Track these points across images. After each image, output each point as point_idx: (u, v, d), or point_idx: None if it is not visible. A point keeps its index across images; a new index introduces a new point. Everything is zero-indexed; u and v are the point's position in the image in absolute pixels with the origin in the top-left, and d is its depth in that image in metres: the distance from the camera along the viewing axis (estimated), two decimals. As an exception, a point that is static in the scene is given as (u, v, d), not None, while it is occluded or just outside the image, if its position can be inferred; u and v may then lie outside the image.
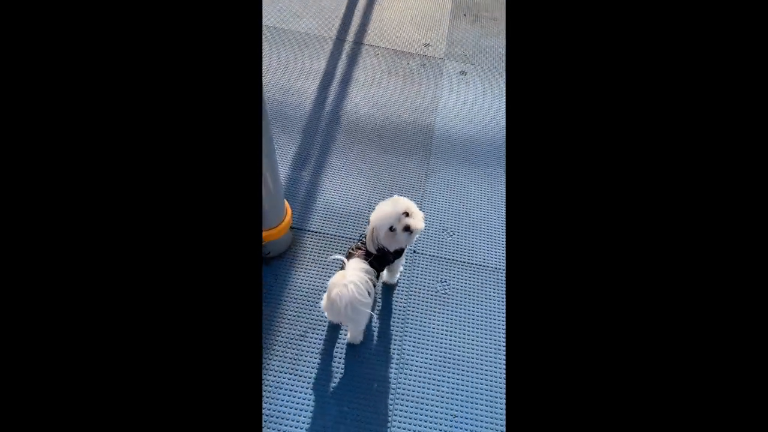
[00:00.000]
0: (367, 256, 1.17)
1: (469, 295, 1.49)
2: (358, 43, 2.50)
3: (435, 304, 1.46)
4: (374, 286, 1.11)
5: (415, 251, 1.58)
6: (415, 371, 1.30)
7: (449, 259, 1.58)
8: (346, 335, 1.34)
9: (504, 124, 2.12)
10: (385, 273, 1.36)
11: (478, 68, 2.45)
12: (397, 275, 1.45)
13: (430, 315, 1.43)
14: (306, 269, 1.50)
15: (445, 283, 1.51)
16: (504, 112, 2.19)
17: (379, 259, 1.20)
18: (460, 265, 1.57)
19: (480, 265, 1.58)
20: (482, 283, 1.53)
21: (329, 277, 1.23)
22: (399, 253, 1.26)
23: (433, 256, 1.58)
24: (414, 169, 1.86)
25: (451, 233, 1.66)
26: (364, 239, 1.22)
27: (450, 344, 1.37)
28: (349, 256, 1.19)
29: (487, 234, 1.68)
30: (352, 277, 1.06)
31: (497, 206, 1.77)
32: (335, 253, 1.52)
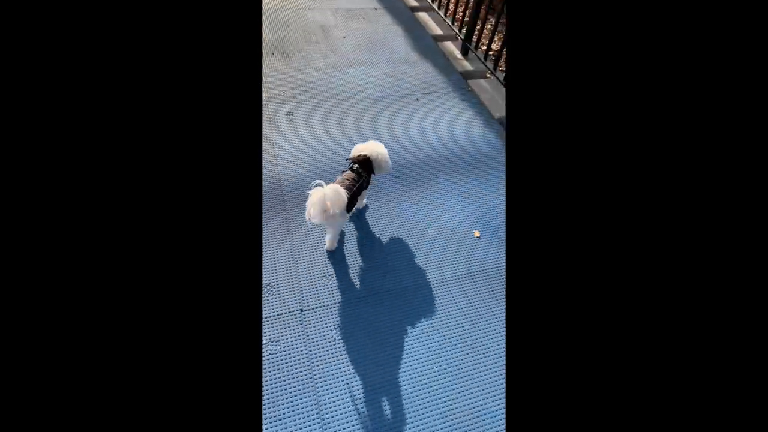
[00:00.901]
0: (350, 188, 1.59)
1: (369, 331, 1.55)
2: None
3: (335, 354, 1.49)
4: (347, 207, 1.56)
5: (301, 310, 1.58)
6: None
7: (338, 302, 1.62)
8: None
9: (337, 148, 2.24)
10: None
11: (301, 105, 2.52)
12: (364, 201, 1.96)
13: (337, 364, 1.45)
14: None
15: (338, 329, 1.55)
16: (336, 139, 2.30)
17: (360, 187, 1.66)
18: (350, 305, 1.62)
19: (368, 297, 1.65)
20: (371, 313, 1.61)
21: None
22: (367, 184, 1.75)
23: (321, 306, 1.60)
24: (275, 227, 1.85)
25: (330, 278, 1.70)
26: (344, 176, 1.65)
27: (355, 387, 1.42)
28: None
29: (362, 266, 1.76)
30: (331, 187, 1.49)
31: (362, 238, 1.87)
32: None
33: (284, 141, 2.26)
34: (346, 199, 1.52)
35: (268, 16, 3.26)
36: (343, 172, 1.70)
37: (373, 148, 1.73)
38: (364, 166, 1.70)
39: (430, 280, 1.74)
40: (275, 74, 2.72)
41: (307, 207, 1.49)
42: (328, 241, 1.75)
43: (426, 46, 3.20)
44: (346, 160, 1.75)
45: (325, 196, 1.47)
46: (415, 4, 3.71)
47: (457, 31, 3.17)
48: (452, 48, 3.23)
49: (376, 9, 3.55)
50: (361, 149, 1.74)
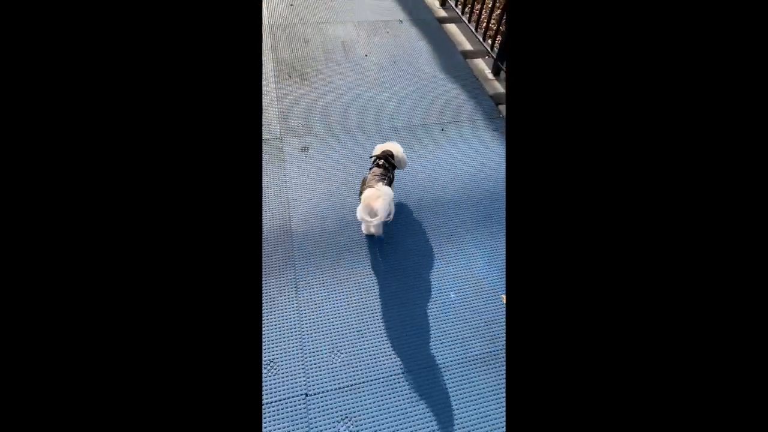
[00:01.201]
0: (382, 179, 1.75)
1: (381, 425, 1.39)
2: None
3: (345, 448, 1.33)
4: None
5: (306, 395, 1.43)
6: None
7: (348, 385, 1.47)
8: None
9: (354, 192, 2.06)
10: None
11: (318, 138, 2.35)
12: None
13: (343, 465, 1.30)
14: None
15: (347, 420, 1.39)
16: (354, 180, 2.13)
17: (390, 180, 1.82)
18: (360, 389, 1.46)
19: (381, 379, 1.49)
20: (383, 399, 1.44)
21: None
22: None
23: (330, 389, 1.45)
24: (283, 286, 1.70)
25: (338, 353, 1.54)
26: (373, 173, 1.79)
27: (373, 492, 1.26)
28: (363, 182, 1.79)
29: (374, 339, 1.59)
30: (384, 189, 1.69)
31: (375, 302, 1.69)
32: None
33: (298, 183, 2.10)
34: (391, 195, 1.70)
35: (287, 32, 3.10)
36: (370, 169, 1.83)
37: (392, 146, 1.90)
38: (389, 162, 1.85)
39: (452, 358, 1.55)
40: (291, 101, 2.56)
41: (359, 212, 1.68)
42: (374, 228, 1.83)
43: (454, 64, 2.95)
44: (370, 157, 1.90)
45: (373, 197, 1.64)
46: (443, 14, 3.46)
47: (488, 49, 2.91)
48: (483, 66, 2.98)
49: (401, 21, 3.32)
50: (381, 147, 1.90)
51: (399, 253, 1.85)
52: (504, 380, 1.50)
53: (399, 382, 1.47)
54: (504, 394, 1.47)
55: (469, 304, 1.71)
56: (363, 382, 1.47)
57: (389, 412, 1.41)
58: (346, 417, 1.39)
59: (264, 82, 2.66)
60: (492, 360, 1.55)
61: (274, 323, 1.59)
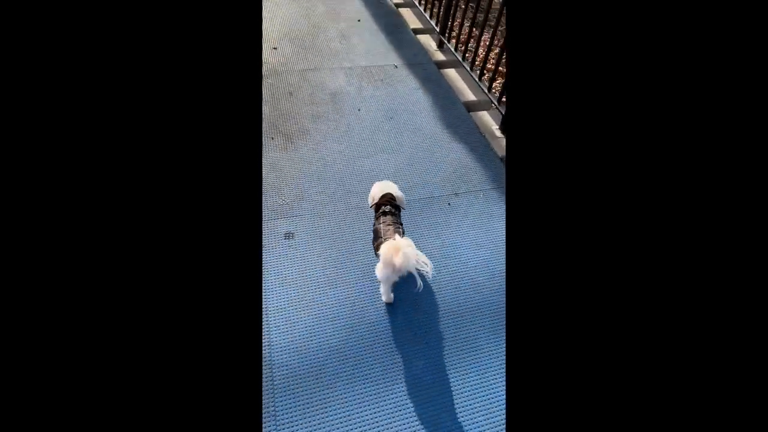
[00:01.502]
0: (397, 228, 1.57)
1: None
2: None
3: None
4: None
5: None
6: None
7: None
8: None
9: (346, 296, 1.71)
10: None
11: (305, 220, 2.01)
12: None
13: None
14: None
15: None
16: (347, 277, 1.79)
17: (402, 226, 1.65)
18: None
19: None
20: None
21: None
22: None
23: None
24: (260, 441, 1.34)
25: None
26: (385, 222, 1.61)
27: None
28: (377, 235, 1.59)
29: None
30: (407, 243, 1.46)
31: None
32: None
33: (281, 288, 1.75)
34: (413, 249, 1.48)
35: (269, 83, 2.78)
36: (378, 217, 1.66)
37: (387, 186, 1.74)
38: (395, 205, 1.70)
39: None
40: (275, 172, 2.22)
41: (382, 267, 1.51)
42: (385, 293, 1.70)
43: (458, 118, 2.65)
44: (371, 206, 1.77)
45: (397, 250, 1.44)
46: (441, 57, 3.17)
47: (495, 102, 2.60)
48: (489, 120, 2.67)
49: (396, 67, 3.02)
50: (378, 193, 1.74)
51: (405, 382, 1.51)
52: None
53: None
54: None
55: (496, 461, 1.36)
56: None
57: None
58: None
59: (242, 148, 2.32)
60: None
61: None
